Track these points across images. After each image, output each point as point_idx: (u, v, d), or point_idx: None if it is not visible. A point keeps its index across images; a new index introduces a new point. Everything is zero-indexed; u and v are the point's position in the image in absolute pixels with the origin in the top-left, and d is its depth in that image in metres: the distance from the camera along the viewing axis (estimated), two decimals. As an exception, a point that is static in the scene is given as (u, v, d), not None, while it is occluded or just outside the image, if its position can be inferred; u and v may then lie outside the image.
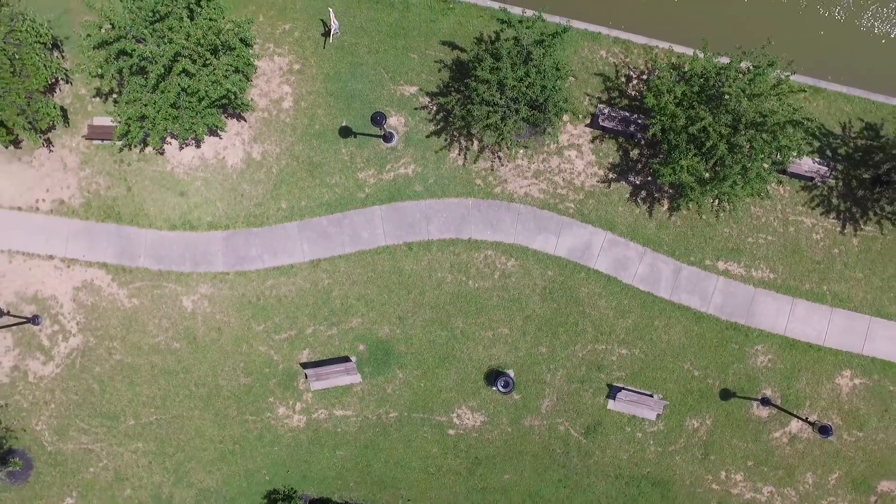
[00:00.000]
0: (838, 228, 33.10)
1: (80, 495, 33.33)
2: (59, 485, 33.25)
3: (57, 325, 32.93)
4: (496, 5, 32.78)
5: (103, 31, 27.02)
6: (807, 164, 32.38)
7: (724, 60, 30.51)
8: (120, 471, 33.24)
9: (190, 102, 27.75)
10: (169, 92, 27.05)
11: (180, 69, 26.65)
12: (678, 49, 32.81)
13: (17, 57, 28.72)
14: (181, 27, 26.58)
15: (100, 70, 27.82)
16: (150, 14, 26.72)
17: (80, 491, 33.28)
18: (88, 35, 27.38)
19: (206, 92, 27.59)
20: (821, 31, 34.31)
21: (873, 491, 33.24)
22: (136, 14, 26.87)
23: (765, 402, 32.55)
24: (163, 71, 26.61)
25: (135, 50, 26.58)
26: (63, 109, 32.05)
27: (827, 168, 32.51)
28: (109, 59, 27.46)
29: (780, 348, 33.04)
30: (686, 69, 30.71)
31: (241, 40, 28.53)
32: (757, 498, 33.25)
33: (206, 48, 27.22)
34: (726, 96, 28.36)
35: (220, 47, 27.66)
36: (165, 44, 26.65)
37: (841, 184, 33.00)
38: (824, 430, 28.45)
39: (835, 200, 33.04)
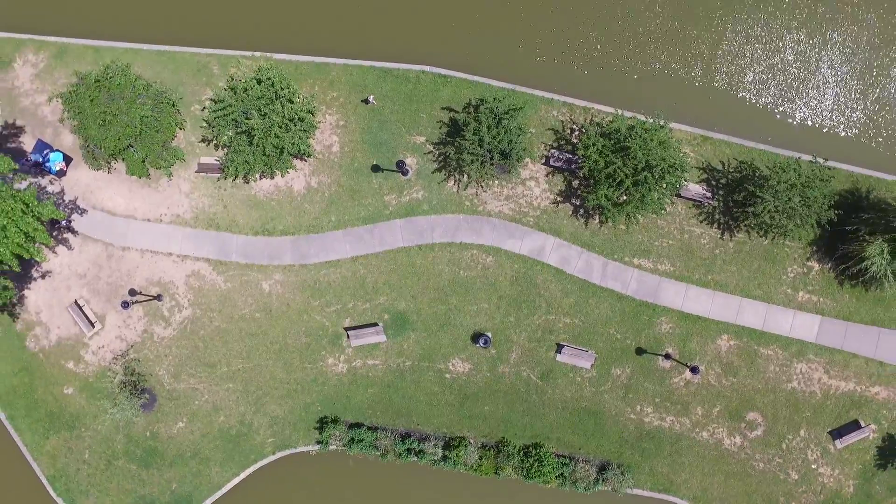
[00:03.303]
0: (719, 235, 43.38)
1: (189, 420, 44.52)
2: (174, 413, 44.52)
3: (174, 302, 44.54)
4: (479, 80, 44.03)
5: (223, 110, 39.78)
6: (697, 190, 43.47)
7: (639, 117, 41.20)
8: (216, 403, 44.39)
9: (276, 153, 40.34)
10: (265, 147, 39.70)
11: (273, 133, 39.43)
12: (604, 109, 43.57)
13: (158, 120, 41.63)
14: (273, 108, 39.29)
15: (217, 133, 40.51)
16: (255, 99, 39.55)
17: (189, 417, 44.50)
18: (212, 110, 40.11)
19: (287, 147, 40.15)
20: (709, 97, 45.22)
21: (743, 419, 43.08)
22: (245, 99, 39.59)
23: (667, 357, 42.24)
24: (262, 135, 39.42)
25: (246, 122, 39.40)
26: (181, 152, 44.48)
27: (711, 193, 43.32)
28: (225, 126, 40.20)
29: (678, 319, 43.10)
30: (606, 126, 42.18)
31: (309, 112, 41.11)
32: (662, 425, 43.22)
33: (287, 119, 40.00)
34: (631, 148, 40.15)
35: (295, 117, 40.42)
36: (262, 117, 39.43)
37: (721, 204, 43.22)
38: (694, 370, 40.32)
39: (717, 216, 43.38)
